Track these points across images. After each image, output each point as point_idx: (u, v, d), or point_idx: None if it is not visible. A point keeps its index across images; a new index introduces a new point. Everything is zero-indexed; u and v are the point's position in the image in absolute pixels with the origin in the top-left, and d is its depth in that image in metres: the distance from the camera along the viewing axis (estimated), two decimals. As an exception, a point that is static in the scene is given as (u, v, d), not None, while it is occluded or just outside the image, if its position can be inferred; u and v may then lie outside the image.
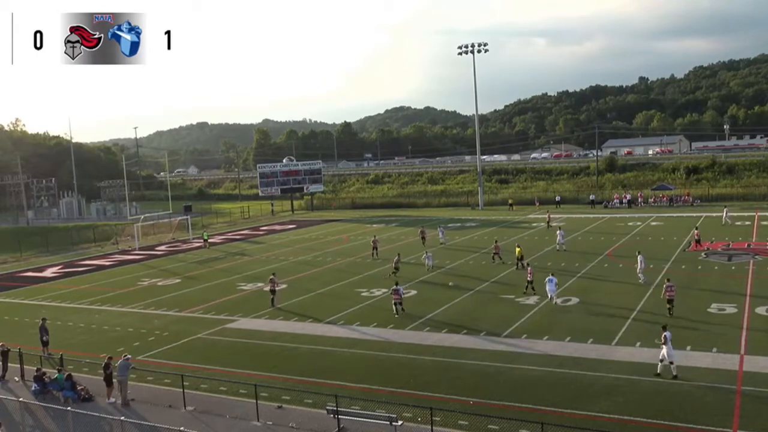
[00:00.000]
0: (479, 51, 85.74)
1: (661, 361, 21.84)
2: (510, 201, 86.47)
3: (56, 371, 23.71)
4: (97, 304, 38.71)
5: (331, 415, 18.86)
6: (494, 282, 38.22)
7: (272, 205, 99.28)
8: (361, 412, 19.00)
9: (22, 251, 63.28)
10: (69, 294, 42.17)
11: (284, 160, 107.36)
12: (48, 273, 51.86)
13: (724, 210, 61.58)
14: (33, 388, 23.72)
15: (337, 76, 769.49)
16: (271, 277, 36.34)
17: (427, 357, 25.27)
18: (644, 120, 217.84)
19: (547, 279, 33.08)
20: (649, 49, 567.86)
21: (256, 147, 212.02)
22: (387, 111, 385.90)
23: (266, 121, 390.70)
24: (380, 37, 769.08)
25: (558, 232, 50.11)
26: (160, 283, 44.27)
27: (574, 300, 32.92)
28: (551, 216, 65.82)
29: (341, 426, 18.95)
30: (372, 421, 18.51)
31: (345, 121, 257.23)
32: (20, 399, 21.08)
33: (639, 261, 36.65)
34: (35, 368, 24.49)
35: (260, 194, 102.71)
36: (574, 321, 29.10)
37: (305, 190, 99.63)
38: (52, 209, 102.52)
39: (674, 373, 21.50)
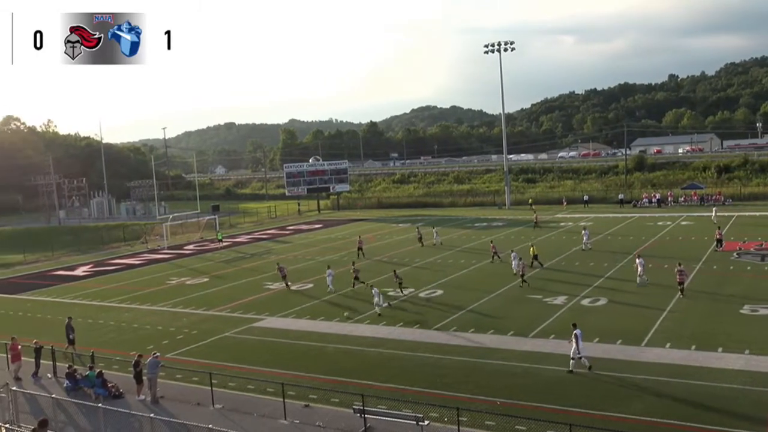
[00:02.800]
0: (506, 50, 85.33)
1: (572, 358, 22.58)
2: (530, 201, 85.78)
3: (87, 368, 24.09)
4: (127, 302, 39.25)
5: (358, 415, 18.89)
6: (520, 282, 37.94)
7: (299, 204, 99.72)
8: (387, 411, 19.01)
9: (54, 250, 64.44)
10: (99, 292, 42.82)
11: (311, 160, 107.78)
12: (79, 272, 52.71)
13: (713, 209, 62.96)
14: (65, 385, 24.14)
15: (363, 75, 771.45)
16: (281, 266, 41.46)
17: (453, 357, 25.20)
18: (674, 118, 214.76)
19: (512, 255, 39.89)
20: (679, 46, 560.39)
21: (283, 147, 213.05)
22: (413, 110, 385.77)
23: (292, 121, 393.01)
24: (405, 35, 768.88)
25: (583, 231, 49.88)
26: (188, 282, 44.75)
27: (603, 300, 32.58)
28: (539, 217, 65.94)
29: (368, 425, 18.97)
30: (398, 420, 18.51)
31: (371, 121, 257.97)
32: (53, 395, 21.47)
33: (638, 264, 36.16)
34: (67, 365, 24.93)
35: (287, 194, 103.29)
36: (602, 322, 28.79)
37: (331, 190, 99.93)
38: (83, 209, 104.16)
39: (571, 368, 22.57)
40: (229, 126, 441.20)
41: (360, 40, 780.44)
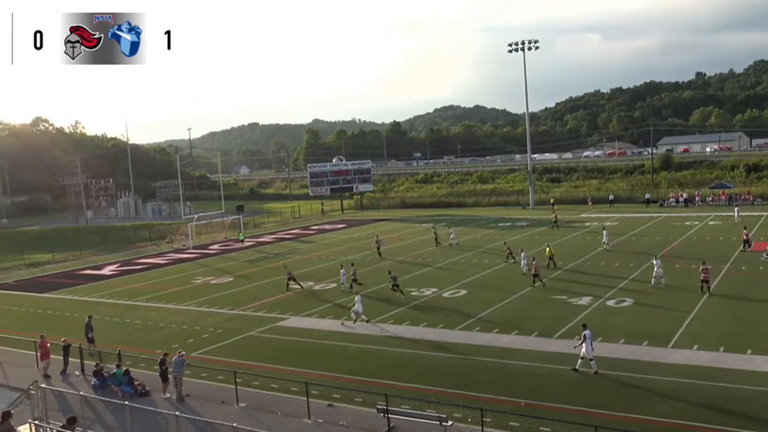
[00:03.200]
0: (530, 48, 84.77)
1: (582, 357, 22.54)
2: (552, 200, 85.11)
3: (114, 366, 24.41)
4: (153, 301, 39.68)
5: (381, 414, 18.91)
6: (540, 282, 37.67)
7: (322, 204, 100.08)
8: (411, 411, 19.00)
9: (82, 250, 65.40)
10: (126, 291, 43.35)
11: (334, 160, 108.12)
12: (106, 271, 53.42)
13: (736, 209, 61.67)
14: (93, 383, 24.47)
15: (386, 75, 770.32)
16: (288, 270, 41.61)
17: (477, 357, 25.10)
18: (701, 116, 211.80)
19: (522, 255, 40.86)
20: (707, 43, 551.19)
21: (306, 147, 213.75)
22: (436, 110, 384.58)
23: (316, 121, 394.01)
24: (428, 34, 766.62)
25: (603, 231, 49.56)
26: (213, 282, 45.12)
27: (629, 301, 32.25)
28: (558, 217, 65.23)
29: (391, 425, 18.98)
30: (422, 420, 18.50)
31: (394, 121, 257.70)
32: (81, 393, 21.78)
33: (655, 265, 35.58)
34: (94, 363, 25.29)
35: (310, 194, 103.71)
36: (628, 323, 28.50)
37: (355, 190, 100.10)
38: (109, 209, 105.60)
39: (595, 369, 22.39)
40: (253, 126, 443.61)
41: (383, 40, 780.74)
